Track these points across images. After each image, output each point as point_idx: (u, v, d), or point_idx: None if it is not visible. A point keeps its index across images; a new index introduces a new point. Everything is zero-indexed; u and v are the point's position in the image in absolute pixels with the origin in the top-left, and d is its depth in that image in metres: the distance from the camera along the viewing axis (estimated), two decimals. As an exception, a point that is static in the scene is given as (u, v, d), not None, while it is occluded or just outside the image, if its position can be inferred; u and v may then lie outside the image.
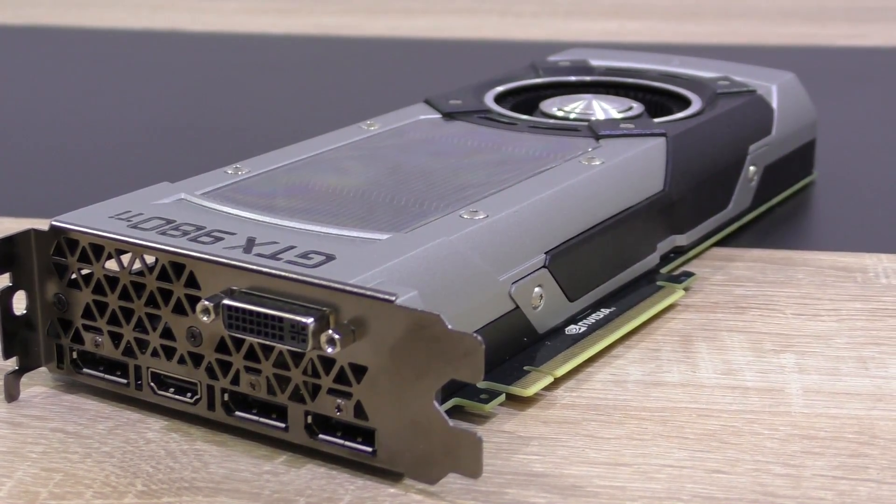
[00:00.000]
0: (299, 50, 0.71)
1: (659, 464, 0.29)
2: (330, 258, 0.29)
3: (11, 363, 0.32)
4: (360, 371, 0.28)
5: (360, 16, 0.80)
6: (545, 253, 0.34)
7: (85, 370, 0.32)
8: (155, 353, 0.31)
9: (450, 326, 0.27)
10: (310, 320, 0.28)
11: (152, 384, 0.31)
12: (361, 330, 0.28)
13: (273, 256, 0.29)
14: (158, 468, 0.29)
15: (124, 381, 0.32)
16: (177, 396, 0.31)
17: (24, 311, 0.32)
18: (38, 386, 0.33)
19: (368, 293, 0.28)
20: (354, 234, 0.31)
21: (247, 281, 0.29)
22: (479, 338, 0.26)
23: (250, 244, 0.30)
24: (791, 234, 0.43)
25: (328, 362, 0.28)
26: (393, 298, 0.27)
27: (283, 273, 0.29)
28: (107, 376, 0.32)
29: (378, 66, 0.68)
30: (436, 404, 0.27)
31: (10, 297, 0.32)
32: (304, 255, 0.30)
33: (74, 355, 0.32)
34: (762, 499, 0.28)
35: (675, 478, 0.29)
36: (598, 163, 0.37)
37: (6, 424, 0.31)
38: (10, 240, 0.31)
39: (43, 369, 0.33)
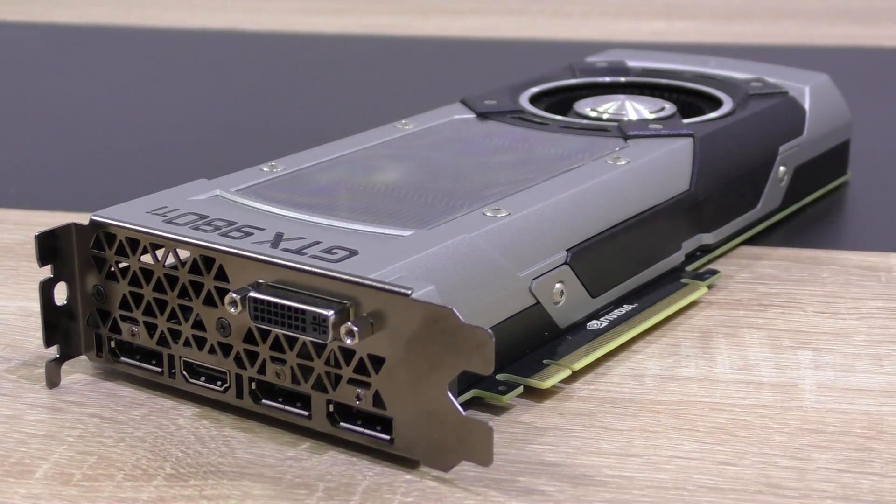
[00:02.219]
0: (351, 49, 0.73)
1: (668, 455, 0.30)
2: (353, 253, 0.31)
3: (53, 351, 0.34)
4: (378, 362, 0.29)
5: (413, 15, 0.81)
6: (567, 250, 0.35)
7: (122, 359, 0.34)
8: (187, 343, 0.32)
9: (462, 320, 0.28)
10: (330, 313, 0.29)
11: (185, 373, 0.32)
12: (380, 322, 0.29)
13: (298, 251, 0.31)
14: (188, 453, 0.30)
15: (158, 369, 0.33)
16: (207, 385, 0.32)
17: (66, 302, 0.33)
18: (78, 373, 0.34)
19: (386, 287, 0.29)
20: (379, 230, 0.33)
21: (273, 274, 0.30)
22: (490, 331, 0.27)
23: (278, 239, 0.32)
24: (821, 234, 0.44)
25: (348, 353, 0.30)
26: (409, 292, 0.28)
27: (306, 267, 0.30)
28: (142, 365, 0.33)
29: (427, 66, 0.69)
30: (449, 394, 0.28)
31: (51, 288, 0.33)
32: (329, 251, 0.31)
33: (112, 344, 0.34)
34: (766, 490, 0.29)
35: (683, 469, 0.30)
36: (623, 162, 0.38)
37: (47, 409, 0.32)
38: (53, 233, 0.33)
39: (84, 357, 0.34)
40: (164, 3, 0.87)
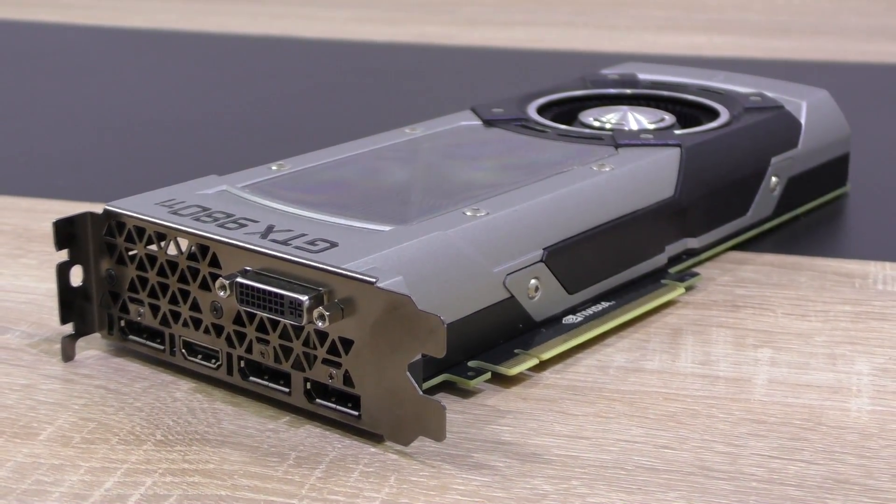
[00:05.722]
0: (398, 57, 0.76)
1: (615, 438, 0.33)
2: (333, 245, 0.34)
3: (70, 328, 0.37)
4: (348, 344, 0.32)
5: (462, 26, 0.84)
6: (543, 248, 0.37)
7: (131, 337, 0.37)
8: (185, 324, 0.35)
9: (418, 307, 0.31)
10: (305, 298, 0.32)
11: (183, 351, 0.36)
12: (350, 308, 0.32)
13: (284, 242, 0.34)
14: (178, 422, 0.33)
15: (161, 347, 0.36)
16: (203, 362, 0.35)
17: (81, 284, 0.37)
18: (92, 350, 0.37)
19: (354, 276, 0.32)
20: (362, 225, 0.35)
21: (260, 262, 0.33)
22: (442, 317, 0.30)
23: (268, 231, 0.35)
24: (810, 242, 0.46)
25: (322, 335, 0.33)
26: (373, 281, 0.31)
27: (287, 256, 0.33)
28: (148, 343, 0.36)
29: (465, 74, 0.72)
30: (408, 375, 0.31)
31: (68, 270, 0.36)
32: (312, 242, 0.34)
33: (122, 324, 0.37)
34: (698, 472, 0.31)
35: (626, 451, 0.32)
36: (607, 169, 0.40)
37: (59, 380, 0.36)
38: (70, 220, 0.36)
39: (98, 335, 0.37)
40: (228, 10, 0.91)
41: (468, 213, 0.36)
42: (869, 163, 0.53)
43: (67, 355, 0.37)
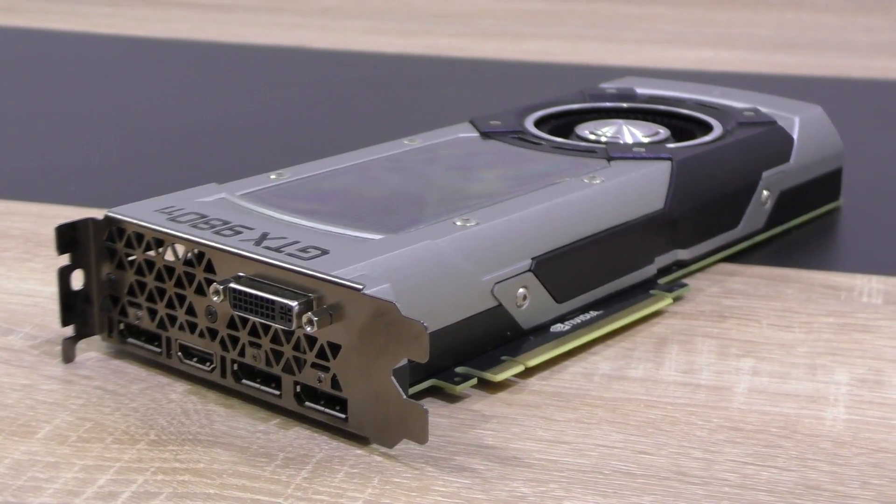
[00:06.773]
0: (408, 68, 0.77)
1: (595, 444, 0.34)
2: (324, 252, 0.35)
3: (70, 330, 0.38)
4: (336, 349, 0.33)
5: (473, 38, 0.85)
6: (532, 258, 0.38)
7: (129, 340, 0.38)
8: (182, 328, 0.36)
9: (403, 314, 0.32)
10: (294, 303, 0.33)
11: (179, 354, 0.37)
12: (338, 314, 0.33)
13: (277, 249, 0.35)
14: (172, 423, 0.35)
15: (159, 350, 0.37)
16: (198, 365, 0.36)
17: (82, 287, 0.38)
18: (93, 352, 0.39)
19: (342, 283, 0.33)
20: (354, 233, 0.36)
21: (253, 269, 0.34)
22: (425, 324, 0.31)
23: (262, 238, 0.36)
24: (801, 255, 0.47)
25: (311, 340, 0.34)
26: (360, 288, 0.32)
27: (278, 263, 0.34)
28: (145, 346, 0.38)
29: (472, 86, 0.73)
30: (393, 379, 0.32)
31: (69, 274, 0.38)
32: (304, 250, 0.35)
33: (121, 327, 0.38)
34: (673, 476, 0.32)
35: (605, 456, 0.33)
36: (598, 181, 0.41)
37: (59, 381, 0.37)
38: (72, 226, 0.37)
39: (98, 338, 0.38)
40: (244, 20, 0.92)
41: (458, 223, 0.37)
42: (866, 177, 0.54)
43: (68, 357, 0.38)
